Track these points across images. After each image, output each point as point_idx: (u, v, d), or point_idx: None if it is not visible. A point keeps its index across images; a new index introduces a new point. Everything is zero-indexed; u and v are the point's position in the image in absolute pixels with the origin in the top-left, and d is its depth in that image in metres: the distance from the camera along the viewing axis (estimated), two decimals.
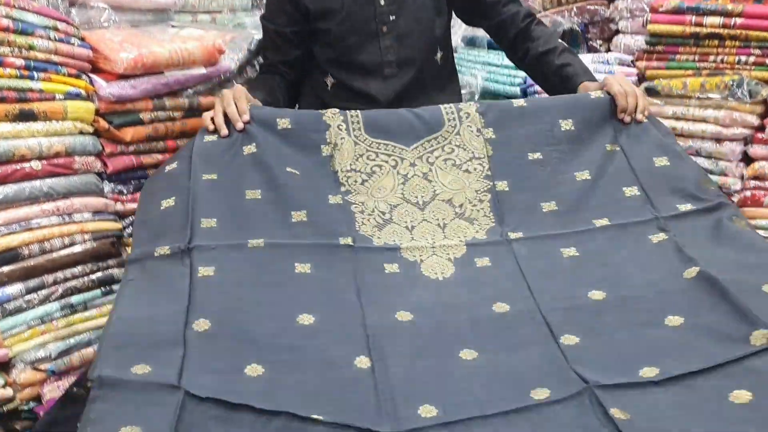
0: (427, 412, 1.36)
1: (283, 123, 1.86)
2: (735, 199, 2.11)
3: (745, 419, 1.21)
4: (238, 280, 1.56)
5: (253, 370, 1.38)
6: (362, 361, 1.45)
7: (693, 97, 2.14)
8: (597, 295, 1.60)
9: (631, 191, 1.87)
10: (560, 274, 1.69)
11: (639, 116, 1.94)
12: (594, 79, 2.05)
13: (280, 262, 1.63)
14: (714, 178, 2.13)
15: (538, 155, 1.92)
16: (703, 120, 2.14)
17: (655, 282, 1.60)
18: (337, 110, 1.91)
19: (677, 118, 2.18)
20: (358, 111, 1.93)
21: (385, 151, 1.91)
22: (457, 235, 1.80)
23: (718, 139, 2.12)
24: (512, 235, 1.77)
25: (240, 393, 1.31)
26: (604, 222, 1.79)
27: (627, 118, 1.94)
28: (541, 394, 1.36)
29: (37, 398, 1.69)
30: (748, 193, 2.09)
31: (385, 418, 1.34)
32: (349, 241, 1.73)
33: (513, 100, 2.03)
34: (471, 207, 1.85)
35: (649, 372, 1.35)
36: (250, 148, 1.81)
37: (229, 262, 1.59)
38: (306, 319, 1.52)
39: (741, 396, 1.25)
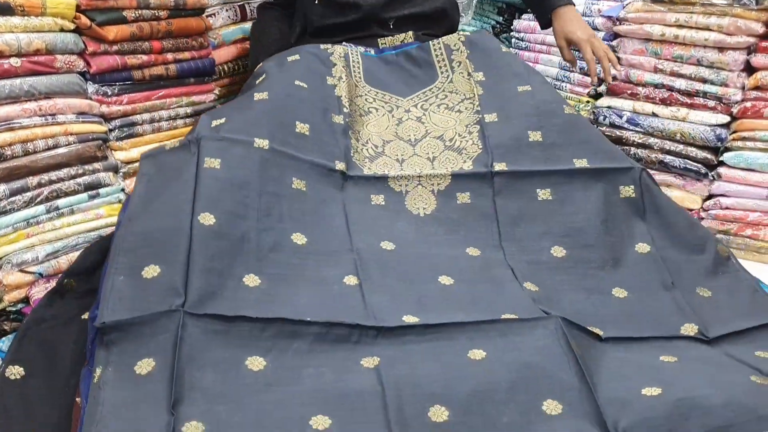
0: (410, 319, 1.45)
1: (292, 57, 1.96)
2: (734, 110, 2.07)
3: (673, 374, 1.35)
4: (242, 181, 1.60)
5: (252, 280, 1.45)
6: (351, 279, 1.54)
7: (697, 4, 2.07)
8: (558, 251, 1.74)
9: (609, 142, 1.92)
10: (530, 221, 1.79)
11: (609, 80, 2.10)
12: (572, 3, 2.14)
13: (281, 172, 1.68)
14: (714, 88, 2.09)
15: (527, 87, 1.96)
16: (707, 28, 2.07)
17: (611, 245, 1.73)
18: (341, 52, 2.01)
19: (680, 26, 2.12)
20: (359, 57, 2.04)
21: (383, 99, 1.98)
22: (445, 166, 1.84)
23: (721, 48, 2.06)
24: (497, 167, 1.82)
25: (237, 303, 1.38)
26: (583, 163, 1.83)
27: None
28: (511, 316, 1.47)
29: (25, 300, 1.69)
30: (748, 104, 2.05)
31: (372, 320, 1.43)
32: (342, 167, 1.77)
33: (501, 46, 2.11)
34: (460, 138, 1.89)
35: (595, 330, 1.48)
36: (261, 79, 1.89)
37: (235, 158, 1.63)
38: (299, 238, 1.59)
39: (669, 359, 1.42)
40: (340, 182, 1.76)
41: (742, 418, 1.22)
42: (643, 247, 1.73)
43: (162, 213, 1.50)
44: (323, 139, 1.80)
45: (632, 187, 1.80)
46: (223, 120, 1.71)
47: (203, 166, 1.57)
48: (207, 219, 1.48)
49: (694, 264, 1.71)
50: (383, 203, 1.77)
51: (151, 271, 1.38)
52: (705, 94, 2.10)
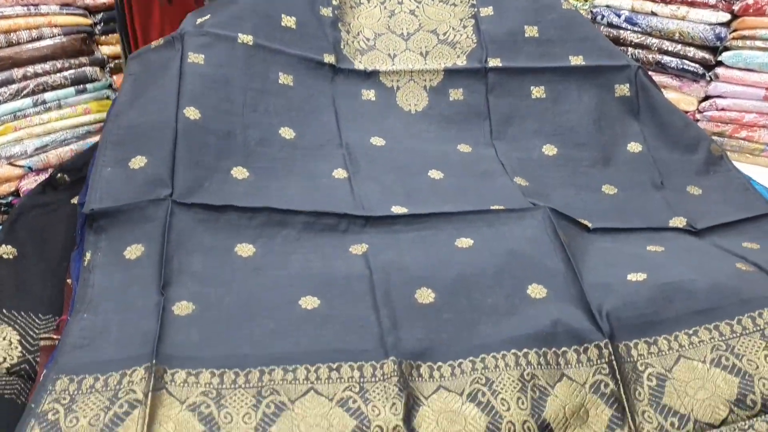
0: (398, 210, 1.46)
1: None
2: (736, 8, 2.02)
3: (659, 261, 1.36)
4: (226, 77, 1.59)
5: (239, 172, 1.45)
6: (339, 173, 1.54)
7: None
8: (549, 149, 1.73)
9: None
10: (522, 120, 1.78)
11: None
12: None
13: (266, 67, 1.65)
14: None
15: None
16: None
17: (603, 145, 1.73)
18: None
19: None
20: None
21: None
22: (438, 61, 1.81)
23: None
24: (491, 62, 1.79)
25: (225, 194, 1.39)
26: (579, 60, 1.81)
27: None
28: (499, 207, 1.49)
29: (16, 193, 1.69)
30: (750, 1, 2.00)
31: (360, 210, 1.45)
32: (332, 59, 1.73)
33: None
34: (454, 32, 1.85)
35: (583, 222, 1.49)
36: None
37: (219, 55, 1.61)
38: (287, 132, 1.58)
39: (656, 248, 1.42)
40: (329, 75, 1.73)
41: (725, 302, 1.25)
42: (635, 147, 1.73)
43: (148, 108, 1.49)
44: (310, 32, 1.75)
45: (627, 85, 1.79)
46: (207, 16, 1.68)
47: (187, 61, 1.56)
48: (192, 113, 1.47)
49: (685, 163, 1.71)
50: (374, 99, 1.74)
51: (138, 162, 1.38)
52: None
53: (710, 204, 1.61)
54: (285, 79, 1.65)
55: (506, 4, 1.87)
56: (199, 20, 1.66)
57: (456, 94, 1.78)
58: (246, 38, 1.64)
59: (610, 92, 1.79)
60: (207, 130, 1.48)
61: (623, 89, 1.79)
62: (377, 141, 1.65)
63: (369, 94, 1.74)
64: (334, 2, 1.82)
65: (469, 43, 1.82)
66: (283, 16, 1.73)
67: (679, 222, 1.54)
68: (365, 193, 1.50)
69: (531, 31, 1.83)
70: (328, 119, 1.65)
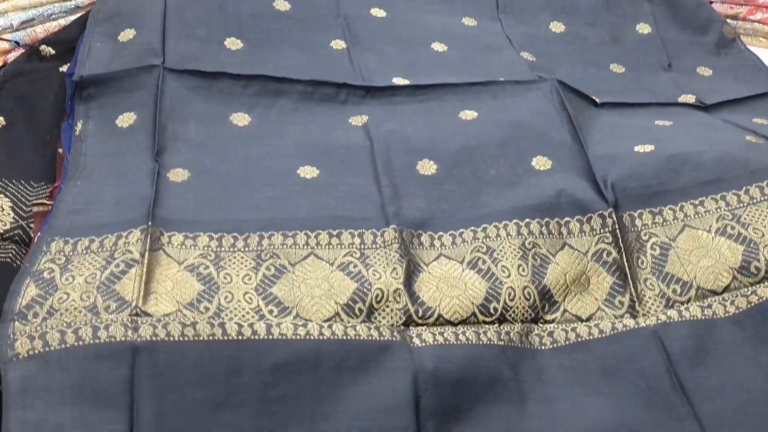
0: (400, 81, 1.42)
1: None
2: None
3: (667, 134, 1.34)
4: None
5: (233, 43, 1.41)
6: (338, 44, 1.49)
7: None
8: (557, 26, 1.69)
9: None
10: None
11: None
12: None
13: None
14: None
15: None
16: None
17: (611, 24, 1.69)
18: None
19: None
20: None
21: None
22: None
23: None
24: None
25: (219, 63, 1.35)
26: None
27: None
28: (505, 79, 1.45)
29: (4, 67, 1.63)
30: None
31: (360, 80, 1.41)
32: None
33: None
34: None
35: (591, 96, 1.45)
36: None
37: None
38: (282, 4, 1.52)
39: (664, 122, 1.40)
40: None
41: (733, 173, 1.22)
42: (644, 27, 1.67)
43: None
44: None
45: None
46: None
47: None
48: None
49: (696, 44, 1.67)
50: None
51: (127, 35, 1.34)
52: None
53: (721, 83, 1.57)
54: None
55: None
56: None
57: None
58: None
59: None
60: (198, 2, 1.44)
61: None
62: (378, 12, 1.59)
63: None
64: None
65: None
66: None
67: (688, 99, 1.50)
68: (365, 63, 1.46)
69: None
70: None
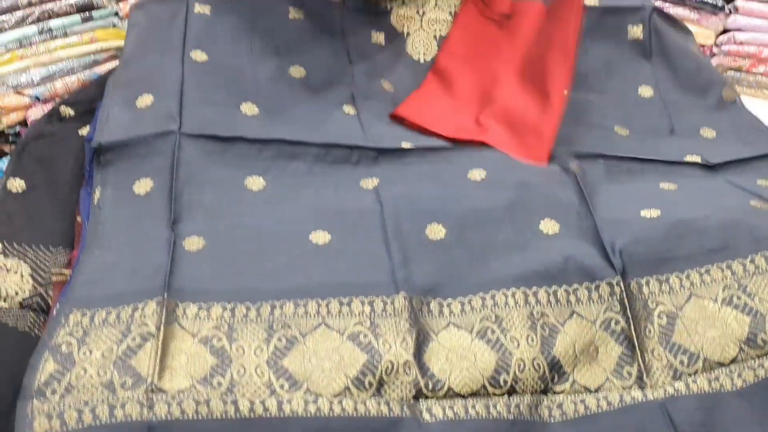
0: (408, 145, 1.45)
1: None
2: None
3: (673, 198, 1.36)
4: (233, 23, 1.56)
5: (249, 108, 1.44)
6: (349, 109, 1.53)
7: None
8: None
9: None
10: None
11: None
12: None
13: (275, 5, 1.61)
14: None
15: None
16: None
17: (613, 88, 1.70)
18: None
19: None
20: None
21: None
22: (448, 4, 1.74)
23: None
24: None
25: (235, 127, 1.37)
26: (593, 0, 1.76)
27: None
28: None
29: (23, 123, 1.67)
30: None
31: (371, 142, 1.44)
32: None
33: None
34: None
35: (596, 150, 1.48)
36: None
37: (225, 2, 1.57)
38: (297, 71, 1.56)
39: (669, 186, 1.42)
40: (339, 11, 1.68)
41: (738, 240, 1.23)
42: (645, 90, 1.70)
43: (154, 52, 1.47)
44: None
45: (641, 27, 1.75)
46: None
47: (193, 12, 1.53)
48: (199, 56, 1.46)
49: (698, 106, 1.68)
50: (383, 43, 1.71)
51: (145, 100, 1.37)
52: None
53: (724, 144, 1.59)
54: (295, 13, 1.62)
55: None
56: None
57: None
58: None
59: (622, 34, 1.76)
60: (215, 69, 1.46)
61: (636, 31, 1.75)
62: (386, 85, 1.63)
63: (378, 37, 1.70)
64: None
65: None
66: None
67: (693, 158, 1.52)
68: (375, 128, 1.49)
69: None
70: (338, 60, 1.62)
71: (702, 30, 2.07)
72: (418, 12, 1.74)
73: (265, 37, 1.56)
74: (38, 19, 1.68)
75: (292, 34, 1.59)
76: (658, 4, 2.07)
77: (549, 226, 1.28)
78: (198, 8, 1.54)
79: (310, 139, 1.38)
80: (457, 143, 1.49)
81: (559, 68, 1.57)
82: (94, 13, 1.77)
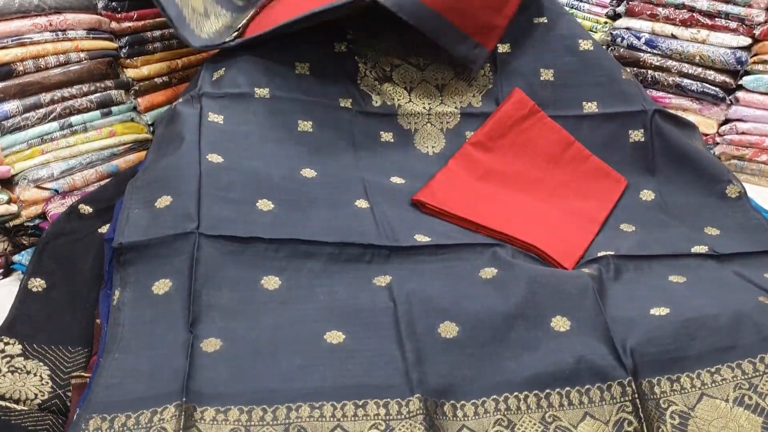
0: (422, 239, 1.48)
1: None
2: (757, 32, 2.01)
3: (682, 294, 1.39)
4: (245, 132, 1.63)
5: (265, 204, 1.47)
6: (362, 203, 1.57)
7: None
8: None
9: (627, 76, 1.89)
10: None
11: None
12: None
13: (284, 117, 1.69)
14: (737, 9, 2.03)
15: (543, 19, 1.91)
16: None
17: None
18: None
19: None
20: None
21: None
22: (454, 101, 1.82)
23: None
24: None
25: (251, 226, 1.41)
26: (593, 107, 1.83)
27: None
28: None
29: (42, 216, 1.71)
30: None
31: (384, 239, 1.47)
32: (348, 103, 1.77)
33: None
34: None
35: (605, 253, 1.52)
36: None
37: (237, 114, 1.65)
38: (309, 173, 1.61)
39: (677, 279, 1.45)
40: (347, 118, 1.76)
41: (748, 339, 1.25)
42: (647, 194, 1.74)
43: (171, 156, 1.52)
44: (327, 74, 1.78)
45: (642, 131, 1.80)
46: (222, 71, 1.72)
47: (207, 120, 1.60)
48: (215, 158, 1.51)
49: (701, 206, 1.71)
50: (392, 140, 1.77)
51: (163, 201, 1.40)
52: (727, 15, 2.05)
53: (729, 239, 1.61)
54: (304, 125, 1.69)
55: (524, 42, 1.88)
56: (215, 75, 1.71)
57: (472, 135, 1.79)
58: (262, 92, 1.69)
59: (623, 138, 1.81)
60: (231, 169, 1.51)
61: (637, 135, 1.80)
62: (397, 180, 1.67)
63: (387, 136, 1.76)
64: (349, 36, 1.83)
65: (485, 81, 1.84)
66: (296, 64, 1.77)
67: (700, 249, 1.54)
68: (388, 221, 1.52)
69: (546, 75, 1.85)
70: (348, 161, 1.68)
71: (704, 119, 2.14)
72: (424, 108, 1.80)
73: (276, 145, 1.62)
74: (60, 116, 1.73)
75: (303, 143, 1.66)
76: (660, 95, 2.15)
77: (560, 323, 1.30)
78: (212, 117, 1.61)
79: (325, 239, 1.41)
80: (471, 233, 1.53)
81: (608, 187, 1.66)
82: (114, 109, 1.84)
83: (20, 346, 1.25)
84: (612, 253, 1.50)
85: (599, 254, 1.50)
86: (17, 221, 1.66)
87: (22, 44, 1.64)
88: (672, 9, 2.13)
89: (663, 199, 1.73)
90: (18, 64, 1.64)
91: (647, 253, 1.52)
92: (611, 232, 1.62)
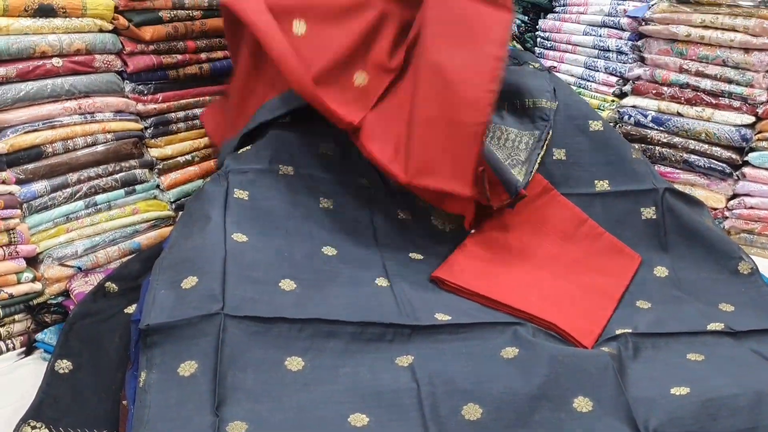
0: (442, 318, 1.50)
1: None
2: (760, 111, 2.08)
3: (701, 373, 1.40)
4: (269, 209, 1.67)
5: (287, 284, 1.49)
6: (381, 281, 1.60)
7: (723, 5, 2.08)
8: None
9: (637, 155, 1.96)
10: None
11: None
12: None
13: (306, 194, 1.74)
14: (739, 89, 2.09)
15: (554, 104, 1.98)
16: (732, 29, 2.08)
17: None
18: None
19: (705, 27, 2.12)
20: None
21: None
22: None
23: (747, 49, 2.07)
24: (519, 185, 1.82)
25: (274, 306, 1.42)
26: (604, 185, 1.89)
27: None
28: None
29: (66, 293, 1.73)
30: None
31: (405, 318, 1.48)
32: (366, 182, 1.82)
33: None
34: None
35: (623, 331, 1.53)
36: None
37: (262, 189, 1.69)
38: (330, 251, 1.64)
39: (696, 357, 1.46)
40: (366, 196, 1.81)
41: (766, 420, 1.26)
42: (661, 271, 1.77)
43: (197, 235, 1.56)
44: (347, 154, 1.83)
45: (653, 208, 1.84)
46: (248, 147, 1.78)
47: (233, 196, 1.65)
48: (240, 237, 1.55)
49: (715, 282, 1.73)
50: (410, 218, 1.80)
51: (189, 282, 1.42)
52: (730, 95, 2.11)
53: (744, 316, 1.62)
54: (326, 203, 1.74)
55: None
56: (241, 151, 1.76)
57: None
58: (287, 169, 1.75)
59: (636, 216, 1.85)
60: (255, 249, 1.54)
61: (649, 212, 1.84)
62: (416, 256, 1.70)
63: (405, 214, 1.80)
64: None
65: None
66: (320, 144, 1.83)
67: (716, 326, 1.56)
68: (408, 299, 1.54)
69: (559, 154, 1.91)
70: (367, 239, 1.72)
71: (712, 194, 2.17)
72: None
73: (298, 222, 1.66)
74: (85, 195, 1.78)
75: (323, 220, 1.70)
76: (668, 170, 2.20)
77: (583, 404, 1.31)
78: (237, 194, 1.65)
79: (347, 318, 1.42)
80: (491, 310, 1.55)
81: (623, 263, 1.69)
82: (137, 187, 1.89)
83: (47, 430, 1.26)
84: (630, 330, 1.51)
85: (617, 332, 1.52)
86: (41, 299, 1.69)
87: (53, 127, 1.70)
88: (677, 88, 2.20)
89: (677, 276, 1.75)
90: (48, 146, 1.69)
91: (665, 331, 1.54)
92: (628, 309, 1.64)
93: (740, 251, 1.77)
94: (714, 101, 2.14)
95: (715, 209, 2.16)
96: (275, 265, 1.52)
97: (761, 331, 1.55)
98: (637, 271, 1.76)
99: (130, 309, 1.53)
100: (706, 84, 2.15)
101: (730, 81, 2.11)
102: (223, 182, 1.68)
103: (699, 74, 2.16)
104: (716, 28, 2.11)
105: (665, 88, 2.22)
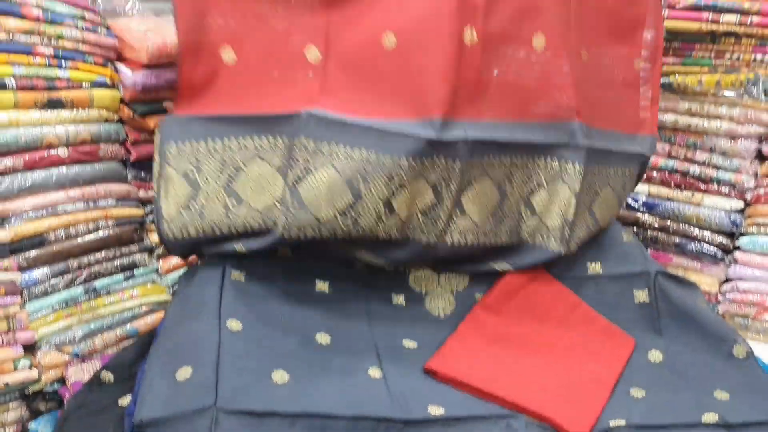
0: (435, 410, 1.48)
1: None
2: (748, 196, 2.13)
3: None
4: (266, 292, 1.68)
5: (280, 376, 1.49)
6: (374, 372, 1.58)
7: (708, 94, 2.15)
8: None
9: (629, 238, 1.96)
10: None
11: None
12: None
13: (303, 277, 1.75)
14: (727, 175, 2.15)
15: None
16: (718, 117, 2.15)
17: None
18: None
19: (692, 114, 2.19)
20: None
21: None
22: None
23: (733, 137, 2.14)
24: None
25: (267, 399, 1.41)
26: (596, 268, 1.89)
27: None
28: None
29: (62, 380, 1.73)
30: (761, 191, 2.11)
31: (397, 412, 1.47)
32: (361, 265, 1.81)
33: None
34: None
35: (617, 422, 1.51)
36: None
37: (258, 270, 1.70)
38: (323, 338, 1.64)
39: None
40: (362, 277, 1.82)
41: None
42: (655, 355, 1.77)
43: (192, 323, 1.56)
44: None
45: (646, 291, 1.85)
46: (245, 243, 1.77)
47: (229, 278, 1.66)
48: (234, 325, 1.55)
49: (709, 367, 1.72)
50: (404, 304, 1.82)
51: (183, 373, 1.42)
52: (719, 181, 2.17)
53: (740, 404, 1.61)
54: (321, 286, 1.75)
55: None
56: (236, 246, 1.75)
57: (481, 296, 1.84)
58: (285, 250, 1.76)
59: (629, 299, 1.85)
60: (248, 338, 1.54)
61: (642, 295, 1.85)
62: (409, 344, 1.71)
63: (399, 299, 1.81)
64: None
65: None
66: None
67: (711, 418, 1.55)
68: (401, 390, 1.53)
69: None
70: (361, 326, 1.72)
71: (705, 278, 2.20)
72: (435, 270, 1.86)
73: (293, 306, 1.66)
74: (85, 280, 1.80)
75: (318, 305, 1.70)
76: (660, 253, 2.23)
77: None
78: (234, 275, 1.66)
79: (339, 412, 1.41)
80: (484, 402, 1.55)
81: (617, 348, 1.69)
82: (136, 272, 1.90)
83: None
84: (623, 422, 1.51)
85: (611, 424, 1.51)
86: (36, 387, 1.69)
87: (56, 215, 1.73)
88: (666, 173, 2.25)
89: (671, 359, 1.75)
90: (50, 233, 1.72)
91: (659, 423, 1.53)
92: (622, 398, 1.63)
93: (735, 334, 1.77)
94: (703, 186, 2.20)
95: (709, 294, 2.18)
96: (268, 354, 1.52)
97: (756, 424, 1.54)
98: (631, 355, 1.76)
99: (124, 400, 1.52)
100: (695, 170, 2.20)
101: (717, 167, 2.17)
102: (220, 264, 1.69)
103: (687, 160, 2.23)
104: (702, 116, 2.18)
105: (654, 173, 2.27)
